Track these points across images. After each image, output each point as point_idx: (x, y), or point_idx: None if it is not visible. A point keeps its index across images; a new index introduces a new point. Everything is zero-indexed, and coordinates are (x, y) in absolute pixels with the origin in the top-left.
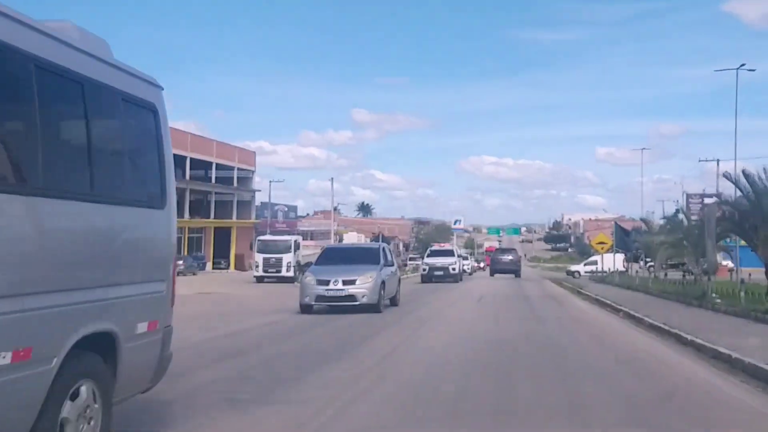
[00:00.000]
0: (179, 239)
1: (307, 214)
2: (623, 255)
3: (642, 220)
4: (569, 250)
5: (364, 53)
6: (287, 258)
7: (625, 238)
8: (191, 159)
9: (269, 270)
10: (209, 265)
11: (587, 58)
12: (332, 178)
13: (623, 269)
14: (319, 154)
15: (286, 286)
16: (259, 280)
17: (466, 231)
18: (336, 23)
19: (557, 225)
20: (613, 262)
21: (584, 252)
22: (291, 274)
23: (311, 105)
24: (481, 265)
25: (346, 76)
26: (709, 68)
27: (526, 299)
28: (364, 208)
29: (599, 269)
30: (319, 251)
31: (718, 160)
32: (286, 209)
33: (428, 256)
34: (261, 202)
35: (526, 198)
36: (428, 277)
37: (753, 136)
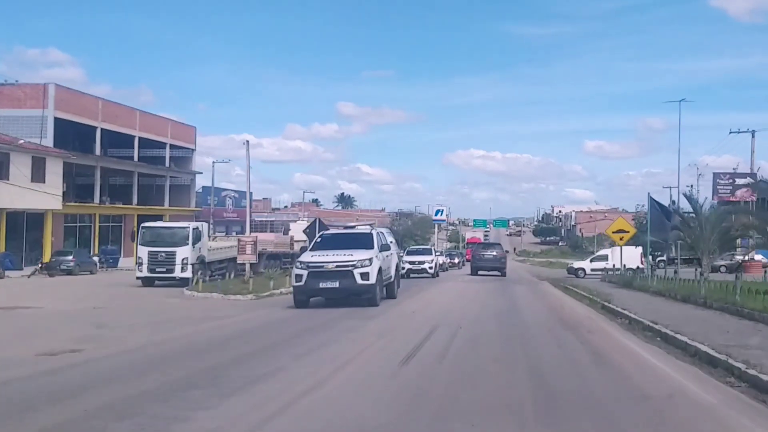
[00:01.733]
0: (86, 228)
1: (286, 206)
2: (639, 248)
3: (686, 197)
4: (560, 243)
5: (349, 46)
6: (182, 253)
7: (664, 221)
8: (103, 131)
9: (157, 269)
10: (127, 262)
11: (574, 53)
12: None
13: (639, 266)
14: (305, 147)
15: (166, 292)
16: (146, 282)
17: (450, 224)
18: (321, 16)
19: (547, 218)
20: (620, 256)
21: (576, 245)
22: (187, 274)
23: (297, 98)
24: (456, 260)
25: (331, 69)
26: (696, 62)
27: (521, 340)
28: (345, 200)
29: (611, 266)
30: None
31: (753, 131)
32: (237, 196)
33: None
34: (202, 187)
35: (513, 192)
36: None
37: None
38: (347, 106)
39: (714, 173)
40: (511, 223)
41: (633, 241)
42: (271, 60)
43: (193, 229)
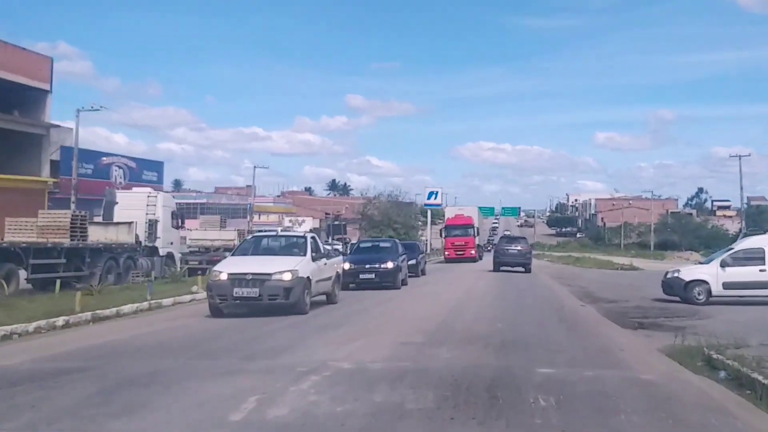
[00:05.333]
0: None
1: (278, 195)
2: None
3: None
4: (578, 235)
5: (357, 38)
6: None
7: None
8: None
9: None
10: None
11: (583, 45)
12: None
13: None
14: (314, 140)
15: None
16: None
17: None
18: (329, 8)
19: (561, 207)
20: None
21: (599, 237)
22: None
23: (305, 91)
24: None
25: (340, 61)
26: (707, 54)
27: None
28: (338, 187)
29: None
30: None
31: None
32: (133, 166)
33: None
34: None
35: (524, 184)
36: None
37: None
38: (356, 99)
39: None
40: (522, 214)
41: None
42: (278, 53)
43: None
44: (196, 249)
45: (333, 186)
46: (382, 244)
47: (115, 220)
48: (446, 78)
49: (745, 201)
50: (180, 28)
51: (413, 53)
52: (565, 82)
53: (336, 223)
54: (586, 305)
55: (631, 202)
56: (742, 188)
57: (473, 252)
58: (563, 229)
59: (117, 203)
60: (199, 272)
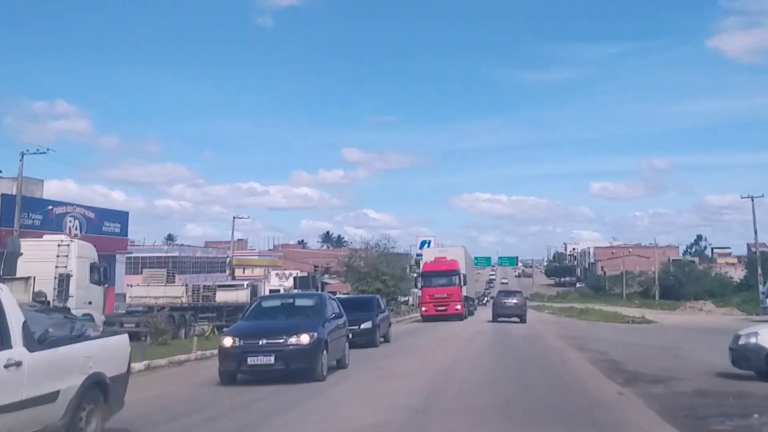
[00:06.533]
0: None
1: (270, 249)
2: None
3: None
4: (578, 284)
5: (353, 92)
6: None
7: None
8: None
9: None
10: None
11: (577, 97)
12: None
13: None
14: (311, 193)
15: None
16: None
17: None
18: (324, 62)
19: (559, 257)
20: None
21: (599, 286)
22: None
23: (302, 145)
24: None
25: (335, 115)
26: (697, 103)
27: None
28: (332, 240)
29: None
30: None
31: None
32: (92, 216)
33: None
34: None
35: (521, 234)
36: None
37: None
38: (352, 152)
39: None
40: (520, 264)
41: None
42: (275, 109)
43: None
44: (137, 309)
45: (326, 238)
46: (298, 302)
47: (19, 275)
48: (442, 130)
49: (747, 249)
50: (178, 84)
51: (409, 106)
52: (559, 133)
53: (303, 275)
54: (624, 391)
55: (631, 249)
56: (756, 231)
57: (458, 307)
58: (562, 279)
59: (21, 254)
60: (142, 337)
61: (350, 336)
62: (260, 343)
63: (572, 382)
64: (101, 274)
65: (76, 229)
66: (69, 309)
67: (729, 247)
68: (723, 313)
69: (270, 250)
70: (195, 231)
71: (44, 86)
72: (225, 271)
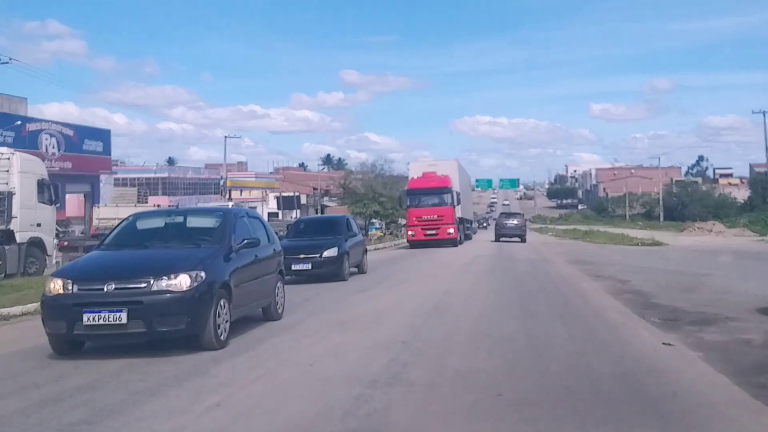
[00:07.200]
0: None
1: (271, 172)
2: None
3: None
4: (579, 206)
5: (352, 11)
6: None
7: None
8: None
9: None
10: None
11: (578, 16)
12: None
13: None
14: (312, 116)
15: None
16: None
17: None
18: None
19: (561, 179)
20: None
21: (601, 208)
22: None
23: (301, 67)
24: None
25: (334, 35)
26: (700, 22)
27: None
28: (332, 162)
29: None
30: None
31: None
32: (70, 134)
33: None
34: None
35: (521, 158)
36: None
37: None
38: (351, 74)
39: None
40: (521, 186)
41: None
42: (273, 28)
43: None
44: (103, 233)
45: (327, 161)
46: (192, 222)
47: None
48: (442, 52)
49: (749, 169)
50: (175, 5)
51: (408, 26)
52: (559, 54)
53: (286, 195)
54: (670, 338)
55: (633, 171)
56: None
57: (451, 231)
58: (564, 201)
59: None
60: None
61: (310, 267)
62: (105, 289)
63: (600, 328)
64: (51, 192)
65: (53, 147)
66: (12, 232)
67: (731, 167)
68: (734, 234)
69: (270, 173)
70: (198, 154)
71: (36, 5)
72: (220, 193)
